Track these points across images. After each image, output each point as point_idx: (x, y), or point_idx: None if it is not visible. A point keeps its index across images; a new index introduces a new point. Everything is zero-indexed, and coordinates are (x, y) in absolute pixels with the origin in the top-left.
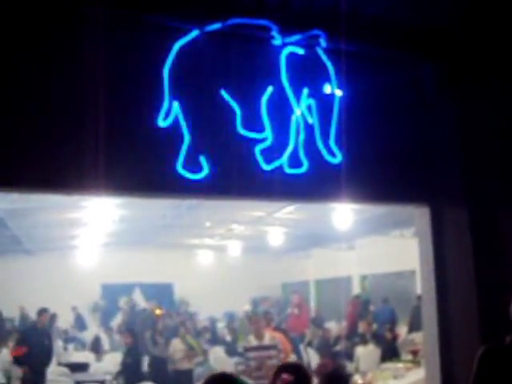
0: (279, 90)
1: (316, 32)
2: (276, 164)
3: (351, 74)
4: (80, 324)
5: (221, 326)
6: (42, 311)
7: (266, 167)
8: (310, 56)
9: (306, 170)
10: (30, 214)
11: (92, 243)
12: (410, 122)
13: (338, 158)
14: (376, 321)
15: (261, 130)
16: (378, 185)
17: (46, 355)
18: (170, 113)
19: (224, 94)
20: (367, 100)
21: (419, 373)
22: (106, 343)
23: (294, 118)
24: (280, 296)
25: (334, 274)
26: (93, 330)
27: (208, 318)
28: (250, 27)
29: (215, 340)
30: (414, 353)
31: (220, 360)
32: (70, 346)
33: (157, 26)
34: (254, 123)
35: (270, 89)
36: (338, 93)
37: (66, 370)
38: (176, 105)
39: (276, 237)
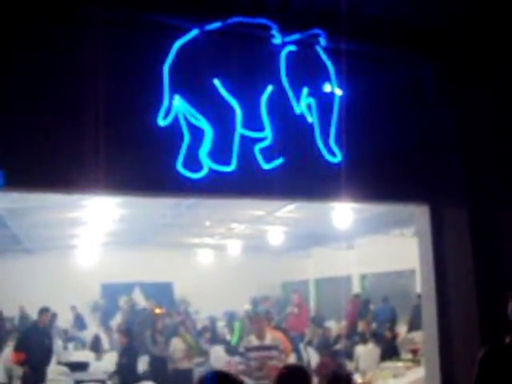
0: (279, 88)
1: (316, 31)
2: (276, 163)
3: (351, 74)
4: (79, 323)
5: (221, 325)
6: (44, 310)
7: (266, 166)
8: (310, 55)
9: (306, 168)
10: (29, 214)
11: (92, 242)
12: (409, 121)
13: (337, 158)
14: (376, 320)
15: (260, 128)
16: (377, 184)
17: (45, 355)
18: (170, 112)
19: (224, 92)
20: (367, 99)
21: (419, 372)
22: (105, 342)
23: (293, 117)
24: (280, 295)
25: (334, 273)
26: (93, 329)
27: (208, 318)
28: (249, 26)
29: (215, 339)
30: (414, 352)
31: (220, 359)
32: (70, 345)
33: (157, 25)
34: (253, 122)
35: (269, 88)
36: (338, 92)
37: (65, 369)
38: (176, 103)
39: (276, 236)
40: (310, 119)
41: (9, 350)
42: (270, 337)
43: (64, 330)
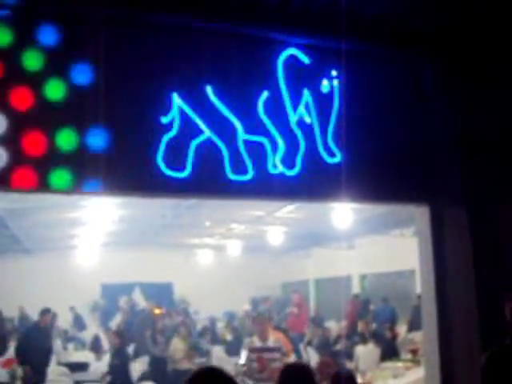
0: (278, 89)
1: (316, 31)
2: (275, 164)
3: (351, 73)
4: (79, 324)
5: (221, 325)
6: (45, 311)
7: (266, 167)
8: (310, 55)
9: (306, 169)
10: (29, 214)
11: (92, 243)
12: (409, 121)
13: (337, 158)
14: (376, 320)
15: (260, 129)
16: (377, 184)
17: (46, 355)
18: (170, 111)
19: (223, 93)
20: (367, 99)
21: (419, 372)
22: (105, 343)
23: (293, 118)
24: (280, 295)
25: (334, 273)
26: (92, 329)
27: (208, 318)
28: (249, 26)
29: (215, 340)
30: (414, 352)
31: (220, 360)
32: (70, 346)
33: (156, 25)
34: (252, 123)
35: (268, 89)
36: (338, 92)
37: (65, 369)
38: (173, 103)
39: (276, 236)
40: (308, 120)
41: (12, 350)
42: (273, 338)
43: (64, 331)
